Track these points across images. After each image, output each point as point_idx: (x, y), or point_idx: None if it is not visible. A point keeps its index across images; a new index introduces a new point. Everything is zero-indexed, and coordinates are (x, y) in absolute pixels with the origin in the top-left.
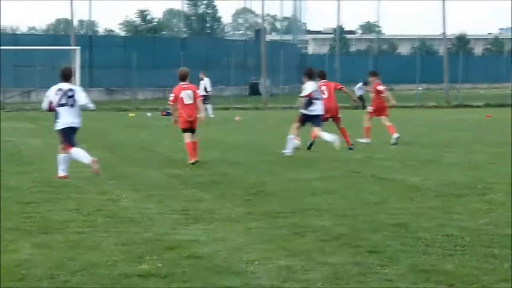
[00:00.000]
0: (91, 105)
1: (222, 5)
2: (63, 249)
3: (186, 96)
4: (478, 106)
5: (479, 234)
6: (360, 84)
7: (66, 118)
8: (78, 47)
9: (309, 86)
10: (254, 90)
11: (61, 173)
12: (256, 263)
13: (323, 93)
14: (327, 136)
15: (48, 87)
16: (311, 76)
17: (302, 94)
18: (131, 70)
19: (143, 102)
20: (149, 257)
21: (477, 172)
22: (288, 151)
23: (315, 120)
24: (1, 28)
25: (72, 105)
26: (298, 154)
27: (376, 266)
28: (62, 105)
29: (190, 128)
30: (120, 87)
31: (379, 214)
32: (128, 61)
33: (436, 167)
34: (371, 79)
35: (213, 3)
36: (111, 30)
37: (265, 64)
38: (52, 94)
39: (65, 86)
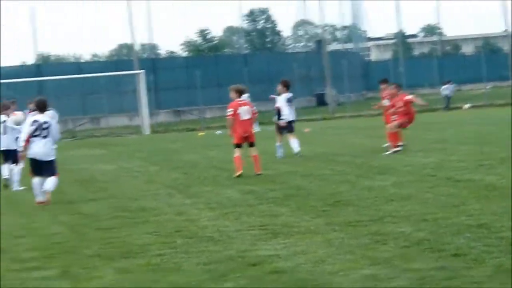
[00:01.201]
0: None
1: (280, 18)
2: (145, 272)
3: (244, 112)
4: None
5: None
6: (448, 85)
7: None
8: (143, 71)
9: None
10: (321, 101)
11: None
12: (341, 273)
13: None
14: None
15: (116, 112)
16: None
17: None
18: (196, 89)
19: (211, 120)
20: (233, 275)
21: None
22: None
23: None
24: (64, 57)
25: (45, 136)
26: (371, 161)
27: (461, 269)
28: (36, 136)
29: (243, 144)
30: (186, 107)
31: (459, 216)
32: (192, 81)
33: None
34: (382, 86)
35: (271, 18)
36: (173, 52)
37: (329, 74)
38: (28, 125)
39: (41, 118)
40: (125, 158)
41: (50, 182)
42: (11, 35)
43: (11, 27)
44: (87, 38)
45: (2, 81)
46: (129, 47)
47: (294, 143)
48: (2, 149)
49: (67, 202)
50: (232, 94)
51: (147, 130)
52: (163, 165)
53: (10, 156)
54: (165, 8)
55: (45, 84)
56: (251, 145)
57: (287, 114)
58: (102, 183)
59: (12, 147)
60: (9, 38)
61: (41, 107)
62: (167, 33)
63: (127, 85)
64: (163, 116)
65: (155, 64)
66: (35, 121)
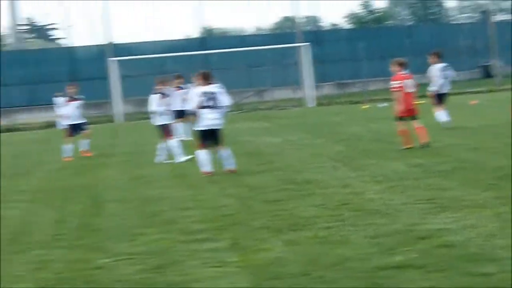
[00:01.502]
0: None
1: None
2: (313, 245)
3: (408, 85)
4: None
5: None
6: None
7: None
8: (307, 43)
9: None
10: (486, 73)
11: (205, 168)
12: None
13: None
14: None
15: (279, 84)
16: None
17: None
18: (359, 62)
19: (374, 93)
20: (401, 248)
21: None
22: None
23: None
24: (228, 30)
25: (214, 107)
26: None
27: None
28: (206, 107)
29: (408, 117)
30: (350, 80)
31: None
32: (355, 53)
33: None
34: (396, 69)
35: None
36: (336, 24)
37: (494, 45)
38: (197, 96)
39: (208, 89)
40: (289, 130)
41: (229, 157)
42: (176, 9)
43: (176, 1)
44: (250, 11)
45: (168, 54)
46: (292, 20)
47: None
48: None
49: (235, 174)
50: (394, 67)
51: (312, 103)
52: (327, 137)
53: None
54: None
55: (209, 57)
56: (414, 118)
57: (440, 84)
58: (268, 155)
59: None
60: (174, 11)
61: (206, 79)
62: (330, 5)
63: (290, 57)
64: (327, 89)
65: (318, 36)
66: (204, 92)
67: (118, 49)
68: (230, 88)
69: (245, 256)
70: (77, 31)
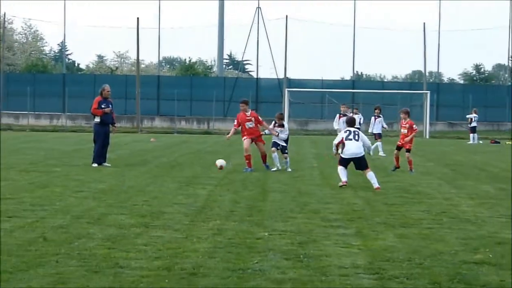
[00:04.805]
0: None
1: None
2: (417, 239)
3: None
4: None
5: None
6: None
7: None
8: (428, 91)
9: None
10: None
11: (344, 178)
12: None
13: None
14: None
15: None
16: None
17: None
18: (467, 108)
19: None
20: (483, 249)
21: None
22: None
23: None
24: (372, 76)
25: (357, 140)
26: None
27: None
28: (349, 140)
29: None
30: (458, 121)
31: None
32: (464, 102)
33: None
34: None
35: None
36: (453, 79)
37: None
38: (342, 133)
39: (352, 129)
40: None
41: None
42: (335, 56)
43: (333, 49)
44: (390, 63)
45: (326, 90)
46: (420, 73)
47: None
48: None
49: (366, 181)
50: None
51: (427, 135)
52: (436, 162)
53: None
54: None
55: (356, 95)
56: None
57: None
58: (392, 172)
59: None
60: (333, 57)
61: (350, 123)
62: (450, 64)
63: (416, 100)
64: (440, 126)
65: (439, 87)
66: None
67: (291, 82)
68: (369, 118)
69: (365, 242)
70: (264, 67)
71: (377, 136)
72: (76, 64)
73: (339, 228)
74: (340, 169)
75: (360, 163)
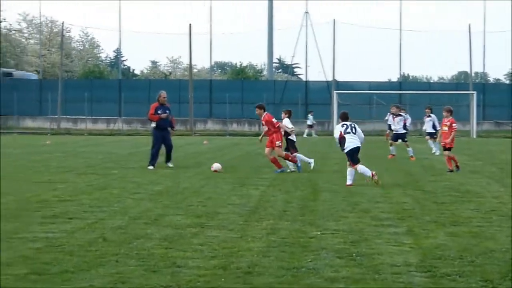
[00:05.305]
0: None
1: None
2: (467, 237)
3: None
4: None
5: None
6: None
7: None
8: (474, 92)
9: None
10: None
11: (349, 182)
12: None
13: None
14: None
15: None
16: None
17: None
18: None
19: None
20: None
21: None
22: None
23: None
24: (419, 77)
25: (354, 133)
26: None
27: None
28: (348, 133)
29: None
30: (504, 120)
31: None
32: (511, 101)
33: None
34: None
35: None
36: (498, 79)
37: None
38: (339, 127)
39: (348, 123)
40: (456, 153)
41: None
42: (382, 58)
43: (380, 51)
44: (436, 65)
45: (374, 91)
46: (466, 74)
47: None
48: None
49: (415, 181)
50: None
51: (474, 135)
52: (484, 161)
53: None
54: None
55: (403, 96)
56: None
57: None
58: (439, 170)
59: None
60: (380, 59)
61: (344, 117)
62: (495, 64)
63: (462, 101)
64: (486, 126)
65: (484, 87)
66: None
67: (339, 85)
68: (418, 118)
69: (416, 240)
70: (312, 70)
71: (428, 135)
72: (131, 70)
73: (390, 227)
74: (350, 171)
75: (354, 155)
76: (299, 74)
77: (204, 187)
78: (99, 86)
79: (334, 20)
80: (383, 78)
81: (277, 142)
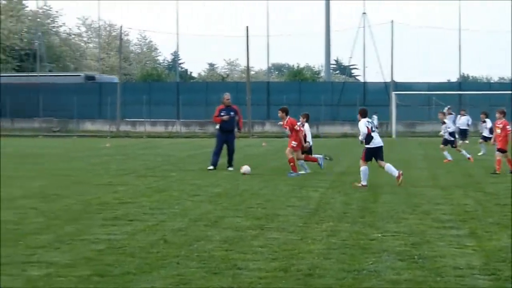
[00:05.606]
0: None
1: None
2: None
3: None
4: None
5: None
6: None
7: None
8: None
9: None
10: None
11: (364, 182)
12: None
13: None
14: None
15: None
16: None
17: None
18: None
19: None
20: None
21: None
22: None
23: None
24: (479, 78)
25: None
26: None
27: None
28: (373, 131)
29: None
30: None
31: None
32: None
33: None
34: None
35: None
36: None
37: None
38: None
39: (370, 120)
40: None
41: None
42: (441, 59)
43: (439, 52)
44: (496, 64)
45: (433, 92)
46: None
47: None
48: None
49: (475, 182)
50: None
51: None
52: None
53: None
54: None
55: (463, 97)
56: None
57: None
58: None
59: None
60: (439, 60)
61: (365, 114)
62: None
63: None
64: None
65: None
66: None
67: (397, 86)
68: (477, 119)
69: (480, 242)
70: (370, 71)
71: (482, 139)
72: (188, 73)
73: (452, 229)
74: (365, 169)
75: (381, 153)
76: (356, 76)
77: (263, 189)
78: (157, 89)
79: (392, 20)
80: (442, 79)
81: (293, 143)
